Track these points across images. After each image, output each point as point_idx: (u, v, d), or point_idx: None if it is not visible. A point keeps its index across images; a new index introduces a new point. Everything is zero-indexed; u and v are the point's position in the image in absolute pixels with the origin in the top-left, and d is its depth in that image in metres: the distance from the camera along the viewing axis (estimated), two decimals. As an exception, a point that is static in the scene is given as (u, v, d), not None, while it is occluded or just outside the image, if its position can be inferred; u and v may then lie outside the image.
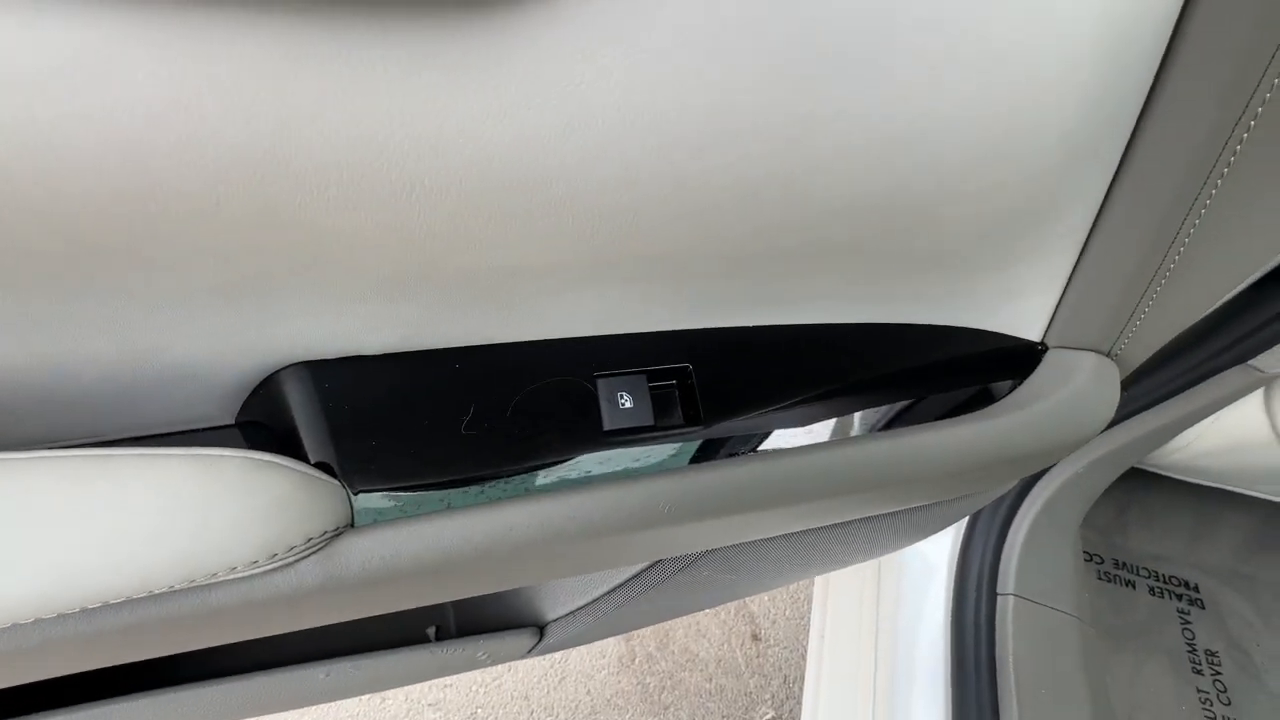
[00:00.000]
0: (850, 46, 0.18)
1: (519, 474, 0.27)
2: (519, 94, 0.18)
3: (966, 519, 0.69)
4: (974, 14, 0.18)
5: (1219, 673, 0.79)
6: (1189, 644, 0.81)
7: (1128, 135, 0.22)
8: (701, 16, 0.17)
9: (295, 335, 0.24)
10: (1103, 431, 0.63)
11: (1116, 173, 0.23)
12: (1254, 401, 0.58)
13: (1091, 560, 0.86)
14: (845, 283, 0.25)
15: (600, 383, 0.26)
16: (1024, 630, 0.63)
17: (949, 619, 0.64)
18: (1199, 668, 0.80)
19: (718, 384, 0.26)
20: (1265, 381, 0.52)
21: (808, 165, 0.20)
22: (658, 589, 0.40)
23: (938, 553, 0.68)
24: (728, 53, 0.18)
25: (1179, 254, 0.25)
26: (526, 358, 0.25)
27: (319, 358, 0.25)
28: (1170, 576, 0.86)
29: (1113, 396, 0.30)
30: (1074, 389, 0.29)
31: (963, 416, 0.28)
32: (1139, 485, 0.88)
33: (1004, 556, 0.65)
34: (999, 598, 0.63)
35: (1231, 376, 0.50)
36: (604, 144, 0.19)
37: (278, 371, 0.25)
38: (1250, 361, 0.48)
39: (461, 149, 0.18)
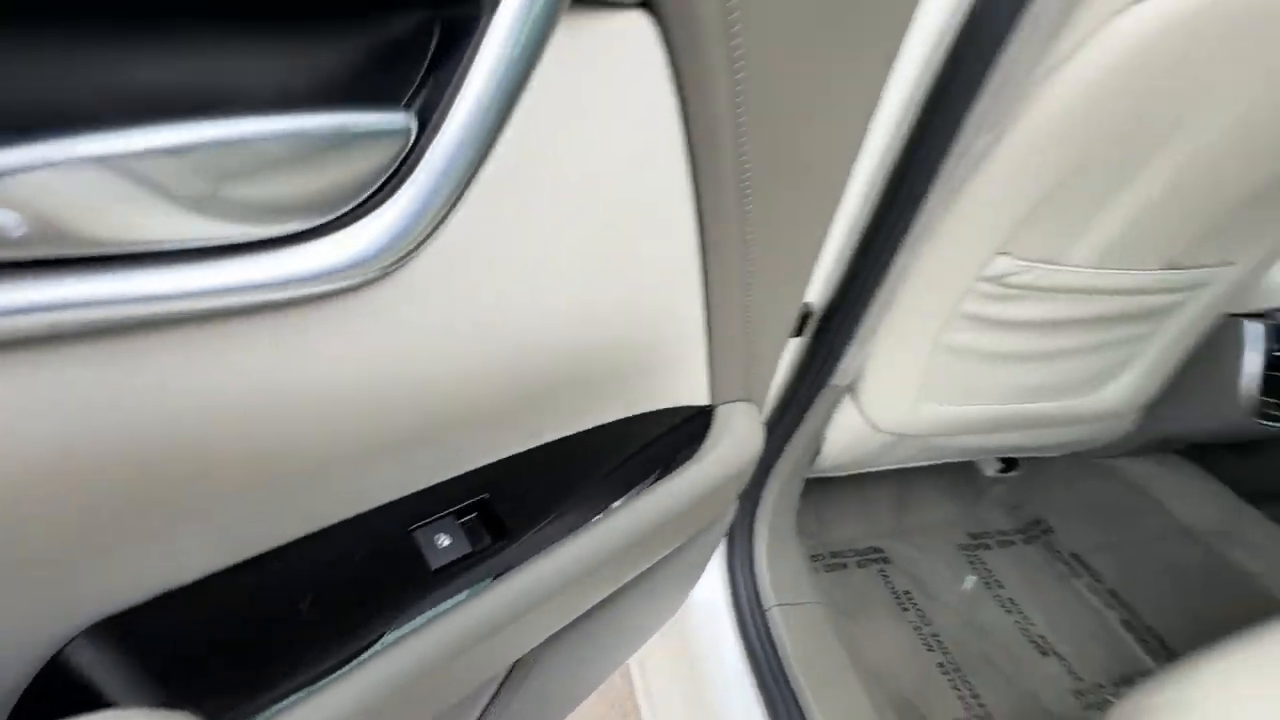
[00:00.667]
0: (560, 288, 0.29)
1: (370, 645, 0.29)
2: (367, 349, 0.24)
3: (724, 563, 0.84)
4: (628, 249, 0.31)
5: (915, 604, 1.06)
6: (893, 592, 1.08)
7: (700, 266, 0.36)
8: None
9: (88, 594, 0.23)
10: (779, 460, 0.85)
11: (705, 285, 0.37)
12: (848, 406, 0.86)
13: (815, 559, 1.09)
14: (574, 412, 0.36)
15: (418, 534, 0.30)
16: (794, 631, 0.78)
17: (741, 645, 0.76)
18: (905, 606, 1.06)
19: (515, 504, 0.33)
20: (844, 392, 0.79)
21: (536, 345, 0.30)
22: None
23: (714, 592, 0.81)
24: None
25: (747, 322, 0.41)
26: (348, 534, 0.29)
27: (117, 611, 0.24)
28: (865, 548, 1.14)
29: (757, 431, 0.46)
30: (732, 434, 0.43)
31: (669, 475, 0.40)
32: (819, 490, 1.16)
33: (758, 577, 0.81)
34: (767, 612, 0.78)
35: (824, 396, 0.75)
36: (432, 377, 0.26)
37: (65, 646, 0.23)
38: (830, 383, 0.73)
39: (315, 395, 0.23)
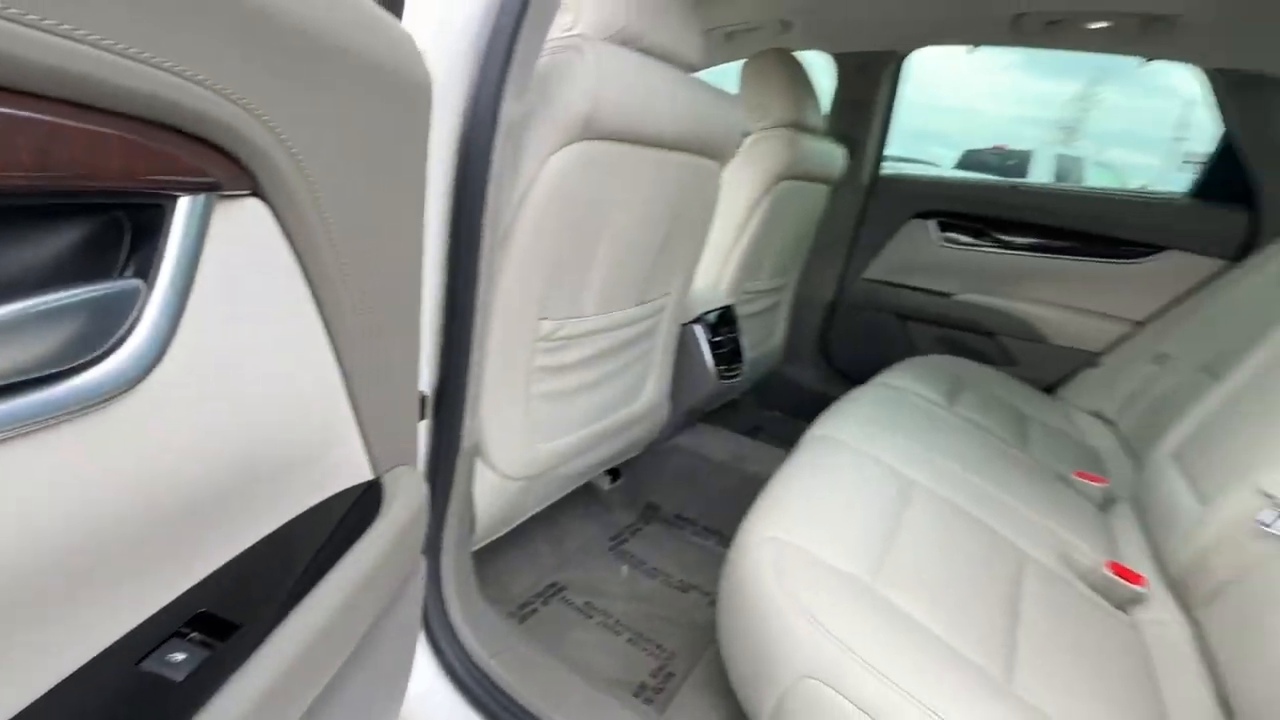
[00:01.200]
0: (251, 403, 0.35)
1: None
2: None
3: (430, 653, 0.88)
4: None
5: (596, 608, 1.27)
6: (577, 609, 1.26)
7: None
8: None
9: None
10: (443, 532, 0.95)
11: (348, 387, 0.48)
12: (483, 468, 1.02)
13: (510, 616, 1.20)
14: (273, 508, 0.41)
15: (146, 663, 0.31)
16: (514, 671, 0.88)
17: (470, 702, 0.82)
18: (589, 615, 1.25)
19: (238, 606, 0.37)
20: (474, 454, 0.95)
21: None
22: None
23: (431, 680, 0.85)
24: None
25: (385, 409, 0.53)
26: (74, 691, 0.28)
27: None
28: (544, 587, 1.30)
29: (419, 484, 0.57)
30: (400, 492, 0.54)
31: (353, 546, 0.47)
32: (489, 557, 1.28)
33: (465, 643, 0.88)
34: (486, 666, 0.86)
35: (461, 462, 0.90)
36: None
37: None
38: (461, 448, 0.89)
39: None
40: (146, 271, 0.26)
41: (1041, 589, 0.87)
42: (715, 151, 1.13)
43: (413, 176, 0.50)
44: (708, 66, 2.24)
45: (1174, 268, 1.75)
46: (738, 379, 1.57)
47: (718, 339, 1.51)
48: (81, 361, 0.24)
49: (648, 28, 0.90)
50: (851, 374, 2.28)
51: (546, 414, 1.07)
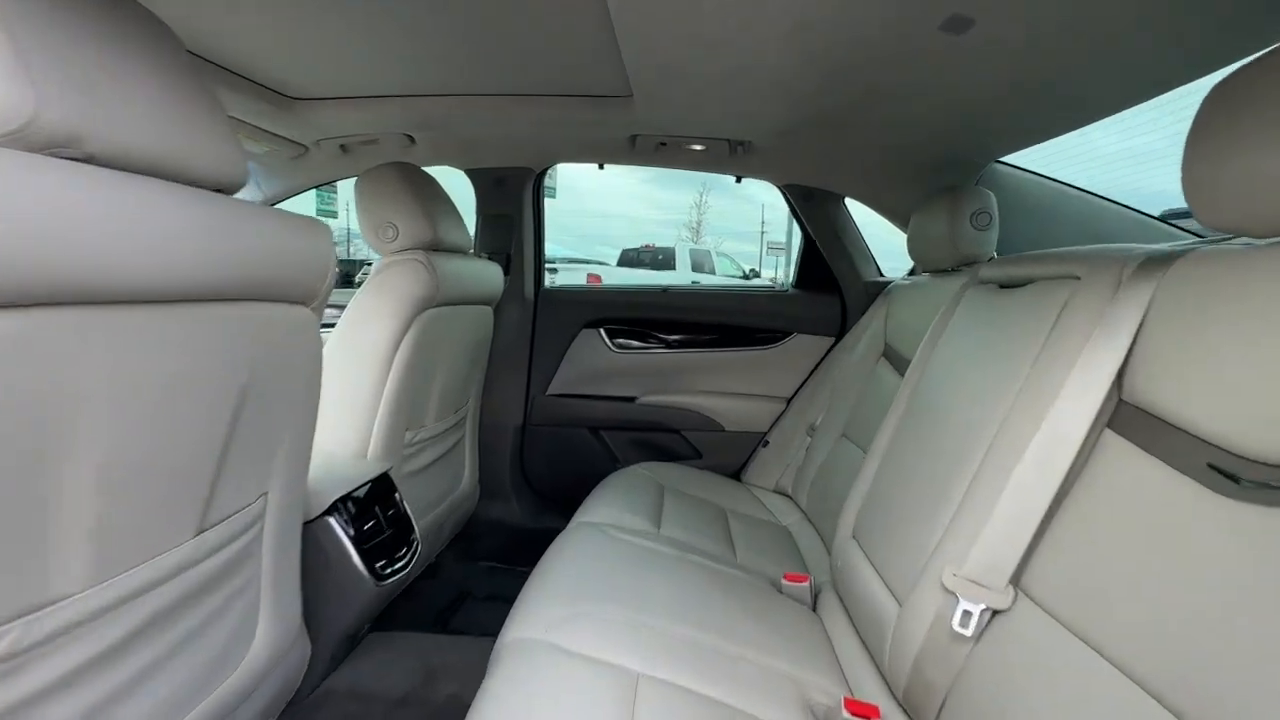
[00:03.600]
0: None
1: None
2: None
3: None
4: None
5: None
6: None
7: None
8: None
9: None
10: None
11: None
12: None
13: None
14: None
15: None
16: None
17: None
18: None
19: None
20: None
21: None
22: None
23: None
24: None
25: None
26: None
27: None
28: None
29: None
30: None
31: None
32: None
33: None
34: None
35: None
36: None
37: None
38: None
39: None
40: None
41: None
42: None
43: None
44: (289, 194, 1.93)
45: (800, 348, 2.00)
46: (406, 569, 1.21)
47: (366, 527, 1.13)
48: None
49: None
50: (555, 496, 2.10)
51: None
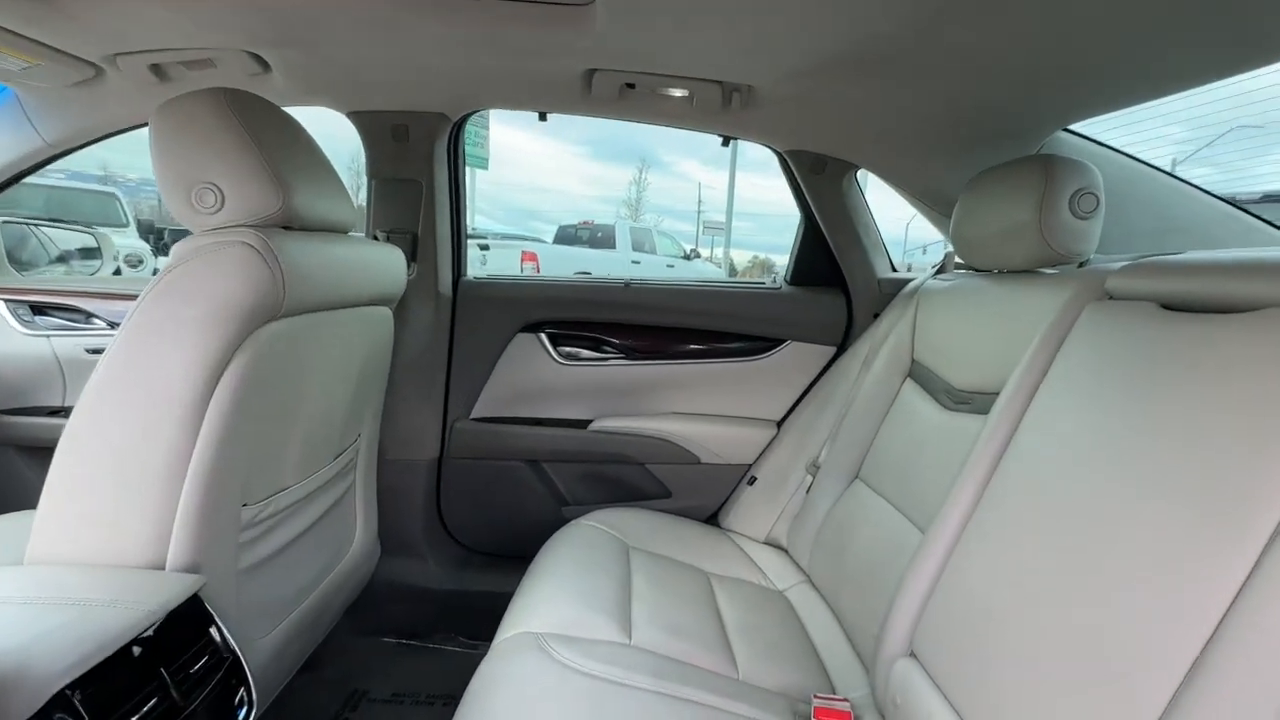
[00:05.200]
0: None
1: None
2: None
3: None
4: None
5: None
6: None
7: None
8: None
9: None
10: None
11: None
12: None
13: None
14: None
15: None
16: None
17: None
18: None
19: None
20: None
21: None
22: None
23: None
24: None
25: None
26: None
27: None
28: None
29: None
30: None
31: None
32: None
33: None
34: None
35: None
36: None
37: None
38: None
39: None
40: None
41: None
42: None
43: None
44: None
45: (795, 360, 1.60)
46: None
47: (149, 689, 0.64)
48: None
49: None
50: (483, 548, 1.64)
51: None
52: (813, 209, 1.54)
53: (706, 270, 12.20)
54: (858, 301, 1.55)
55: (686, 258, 11.59)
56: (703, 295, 1.62)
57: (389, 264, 1.19)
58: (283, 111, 0.94)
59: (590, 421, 1.60)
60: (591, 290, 1.61)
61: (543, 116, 1.42)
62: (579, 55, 1.13)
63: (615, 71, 1.18)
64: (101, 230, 3.94)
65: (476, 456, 1.59)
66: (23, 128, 1.36)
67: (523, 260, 8.48)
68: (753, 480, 1.54)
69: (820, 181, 1.51)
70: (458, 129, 1.49)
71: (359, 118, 1.41)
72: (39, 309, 1.57)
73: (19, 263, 2.03)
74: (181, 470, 0.82)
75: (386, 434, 1.47)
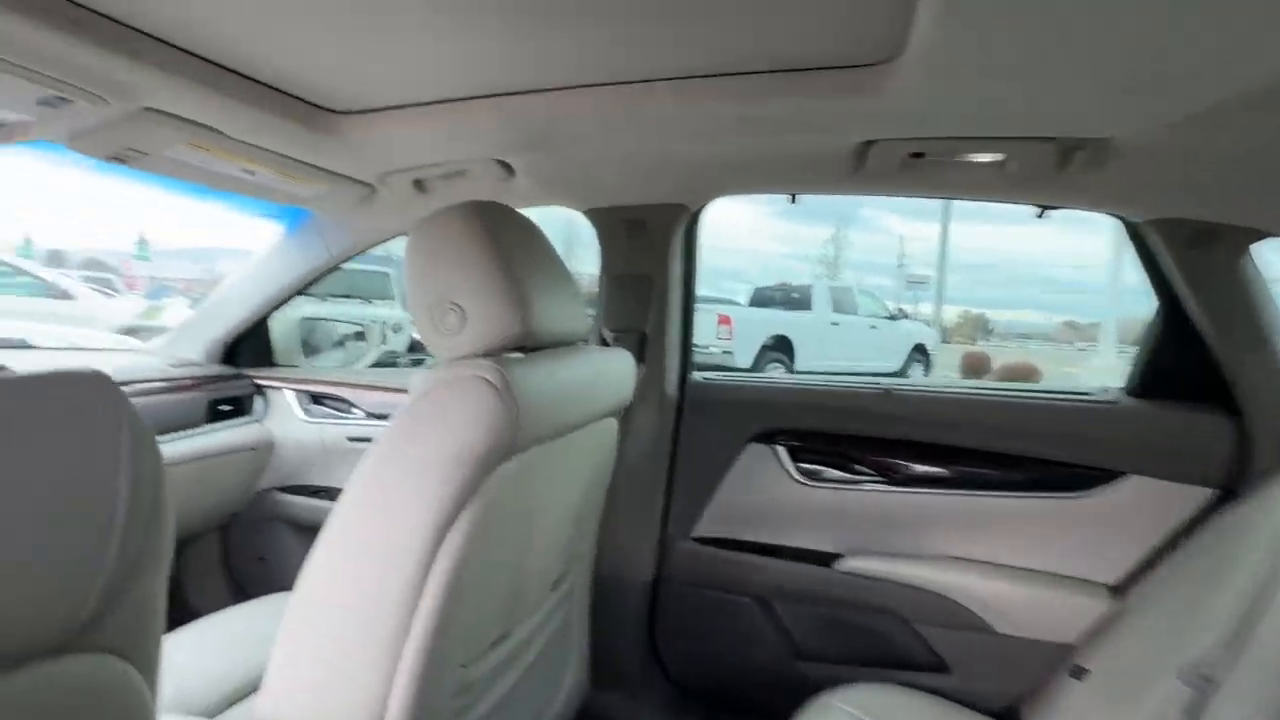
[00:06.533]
0: None
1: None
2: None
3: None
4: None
5: None
6: None
7: None
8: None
9: None
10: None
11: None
12: None
13: None
14: None
15: None
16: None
17: None
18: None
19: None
20: None
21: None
22: None
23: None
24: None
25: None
26: None
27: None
28: None
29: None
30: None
31: None
32: None
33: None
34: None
35: None
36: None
37: None
38: None
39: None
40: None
41: None
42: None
43: None
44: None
45: (1139, 501, 1.14)
46: None
47: None
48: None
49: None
50: (701, 691, 1.39)
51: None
52: (1187, 295, 1.10)
53: (915, 330, 11.01)
54: (1259, 426, 1.06)
55: (892, 318, 10.60)
56: (993, 408, 1.25)
57: (620, 373, 1.05)
58: (530, 223, 0.86)
59: (837, 557, 1.29)
60: (841, 396, 1.33)
61: (793, 198, 1.22)
62: (858, 125, 0.91)
63: (901, 140, 0.93)
64: (370, 318, 4.59)
65: (697, 583, 1.37)
66: (315, 245, 1.51)
67: (718, 323, 8.38)
68: (1083, 673, 1.09)
69: (1204, 259, 1.07)
70: (695, 219, 1.35)
71: (596, 214, 1.34)
72: (317, 399, 1.74)
73: (308, 345, 2.34)
74: (403, 635, 0.71)
75: (602, 549, 1.32)
